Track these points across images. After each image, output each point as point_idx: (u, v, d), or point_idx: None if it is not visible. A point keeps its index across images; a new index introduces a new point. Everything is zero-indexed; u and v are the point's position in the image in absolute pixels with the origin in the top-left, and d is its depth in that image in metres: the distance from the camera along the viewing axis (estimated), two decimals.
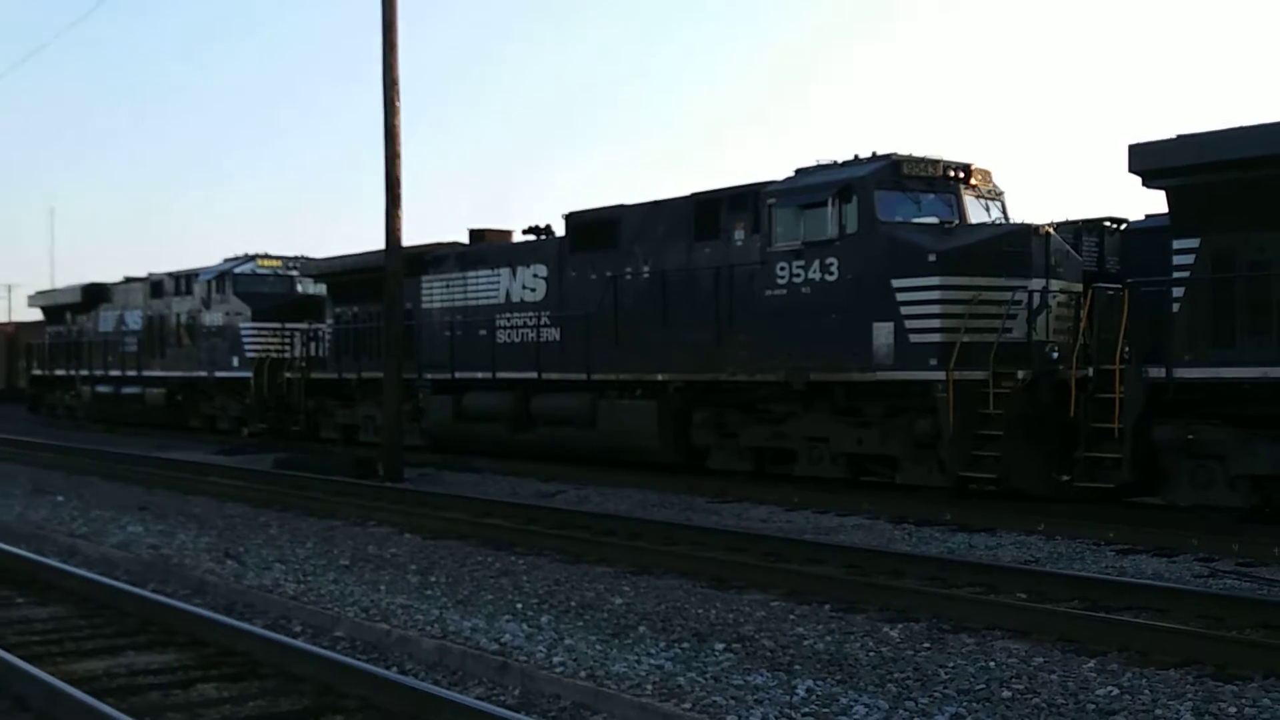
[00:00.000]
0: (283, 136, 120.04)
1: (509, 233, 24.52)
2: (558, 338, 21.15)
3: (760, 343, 17.41)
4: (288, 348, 29.73)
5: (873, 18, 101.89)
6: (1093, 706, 6.93)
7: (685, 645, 8.35)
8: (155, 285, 34.70)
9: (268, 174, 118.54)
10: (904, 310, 15.77)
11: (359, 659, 7.69)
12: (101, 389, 36.71)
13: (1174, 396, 13.58)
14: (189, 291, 32.99)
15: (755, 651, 8.20)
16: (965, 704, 6.96)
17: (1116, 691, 7.20)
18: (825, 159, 17.52)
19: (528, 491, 18.48)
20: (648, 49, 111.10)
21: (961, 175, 16.75)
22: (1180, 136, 13.68)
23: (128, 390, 35.33)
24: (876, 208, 16.26)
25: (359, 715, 6.62)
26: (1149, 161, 13.88)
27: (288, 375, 28.83)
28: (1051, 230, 16.26)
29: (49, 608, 9.71)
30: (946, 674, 7.60)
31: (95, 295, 37.75)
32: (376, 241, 21.56)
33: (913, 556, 11.70)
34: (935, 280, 15.63)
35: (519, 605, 9.77)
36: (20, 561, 11.38)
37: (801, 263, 16.93)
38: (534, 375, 21.39)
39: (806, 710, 6.79)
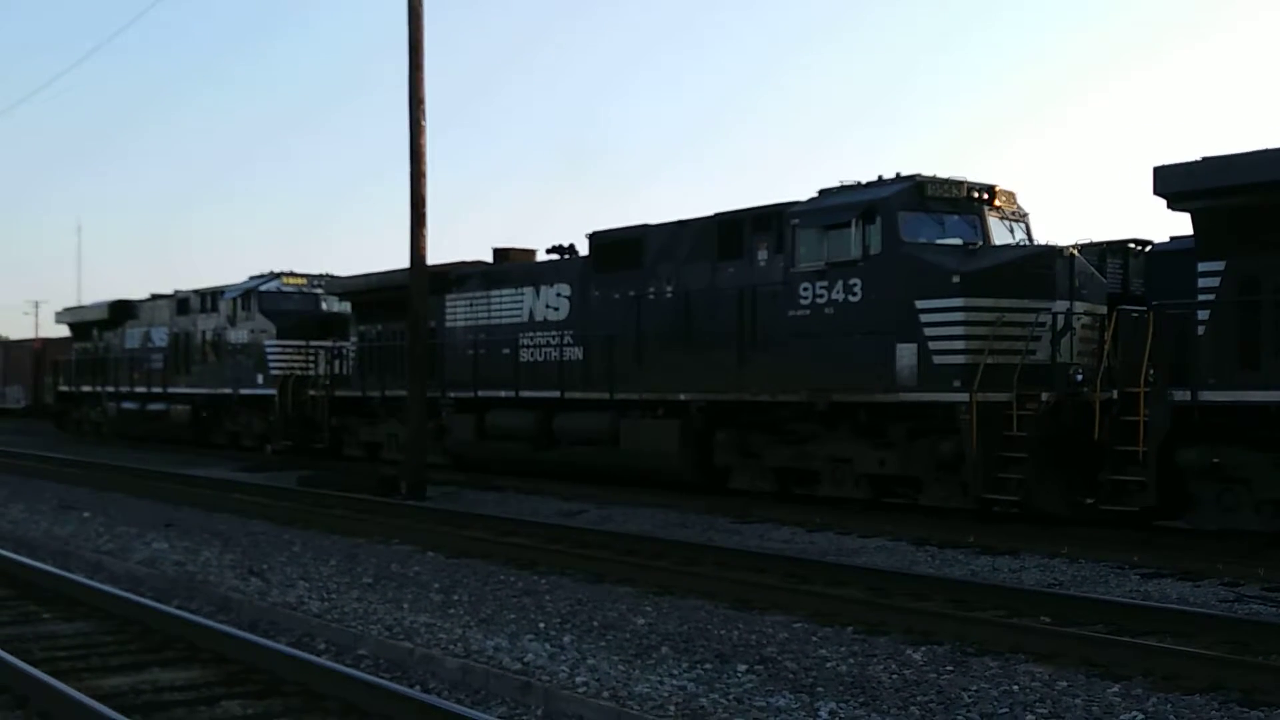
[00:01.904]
0: (309, 154, 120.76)
1: (533, 252, 24.64)
2: (581, 357, 21.20)
3: (783, 363, 17.41)
4: (312, 365, 29.85)
5: (899, 39, 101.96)
6: None
7: (708, 666, 8.34)
8: (181, 302, 34.95)
9: (293, 192, 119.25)
10: (927, 331, 15.76)
11: (382, 678, 7.70)
12: (127, 405, 36.93)
13: (1199, 419, 13.52)
14: (214, 309, 33.20)
15: (778, 673, 8.19)
16: None
17: (1142, 717, 7.17)
18: (849, 179, 17.56)
19: (550, 510, 18.49)
20: (672, 66, 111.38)
21: (985, 196, 16.75)
22: (1206, 159, 13.65)
23: (153, 407, 35.54)
24: (900, 229, 16.27)
25: None
26: (1174, 184, 13.86)
27: (312, 393, 28.94)
28: (1076, 252, 16.23)
29: (75, 623, 9.77)
30: (970, 697, 7.58)
31: (122, 312, 38.03)
32: (401, 260, 21.66)
33: (936, 579, 11.66)
34: (959, 302, 15.62)
35: (541, 625, 9.78)
36: (46, 577, 11.46)
37: (825, 283, 16.94)
38: (557, 394, 21.43)
39: None
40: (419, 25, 20.42)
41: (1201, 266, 13.87)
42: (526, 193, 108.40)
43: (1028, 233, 17.22)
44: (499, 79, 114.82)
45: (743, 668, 8.30)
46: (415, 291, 20.77)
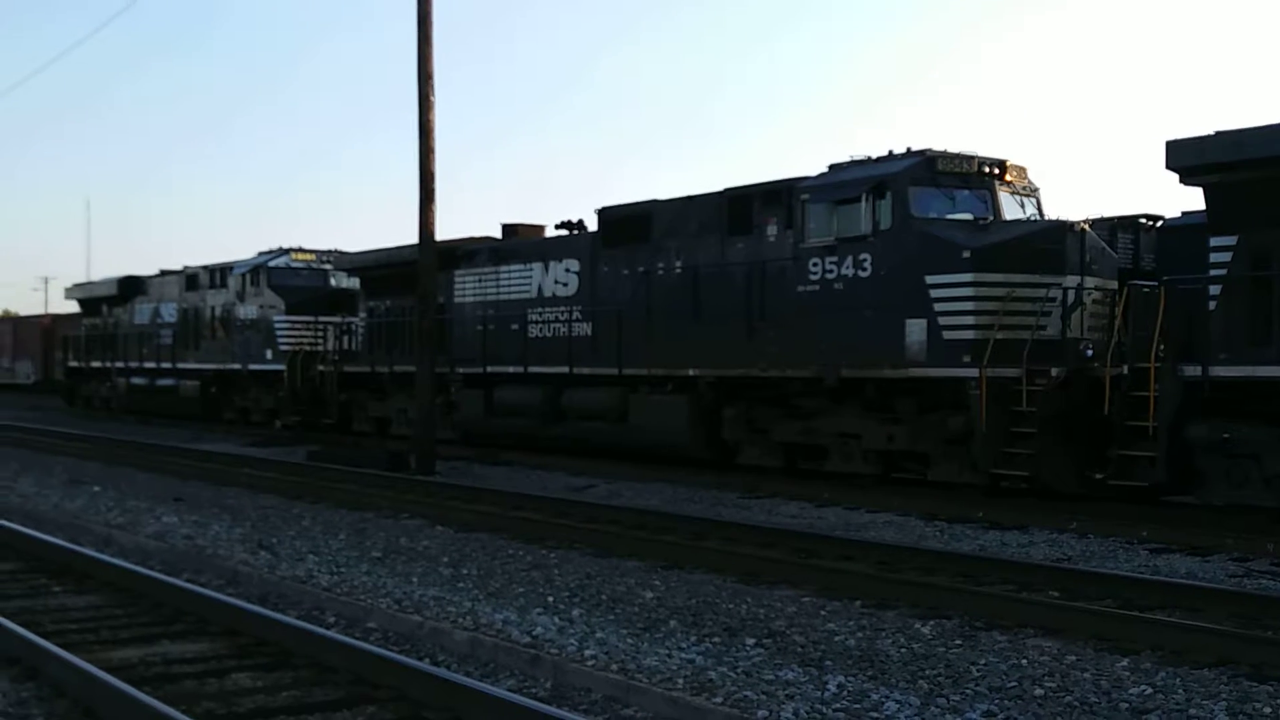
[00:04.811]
0: (318, 131, 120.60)
1: (541, 227, 24.57)
2: (589, 333, 21.17)
3: (792, 338, 17.37)
4: (321, 341, 29.87)
5: (908, 14, 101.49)
6: (1126, 705, 6.89)
7: (716, 640, 8.35)
8: (190, 278, 34.96)
9: (302, 168, 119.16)
10: (937, 307, 15.71)
11: (392, 650, 7.73)
12: (136, 381, 37.00)
13: (1209, 395, 13.47)
14: (224, 284, 33.21)
15: (786, 647, 8.19)
16: (997, 701, 6.94)
17: (1150, 691, 7.16)
18: (859, 154, 17.49)
19: (558, 486, 18.52)
20: (680, 43, 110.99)
21: (996, 171, 16.66)
22: (1218, 133, 13.55)
23: (162, 382, 35.60)
24: (910, 204, 16.20)
25: (391, 706, 6.65)
26: (1186, 158, 13.77)
27: (321, 368, 28.97)
28: (1087, 227, 16.16)
29: (85, 596, 9.81)
30: (978, 671, 7.58)
31: (131, 288, 38.06)
32: (410, 236, 21.66)
33: (944, 554, 11.67)
34: (969, 277, 15.56)
35: (550, 598, 9.79)
36: (57, 551, 11.49)
37: (834, 259, 16.89)
38: (565, 370, 21.42)
39: (838, 706, 6.78)
40: None
41: (1213, 241, 13.80)
42: (536, 168, 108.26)
43: (1039, 207, 17.15)
44: (510, 54, 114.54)
45: (751, 641, 8.31)
46: (424, 267, 20.75)
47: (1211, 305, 13.69)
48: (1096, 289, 16.04)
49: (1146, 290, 14.71)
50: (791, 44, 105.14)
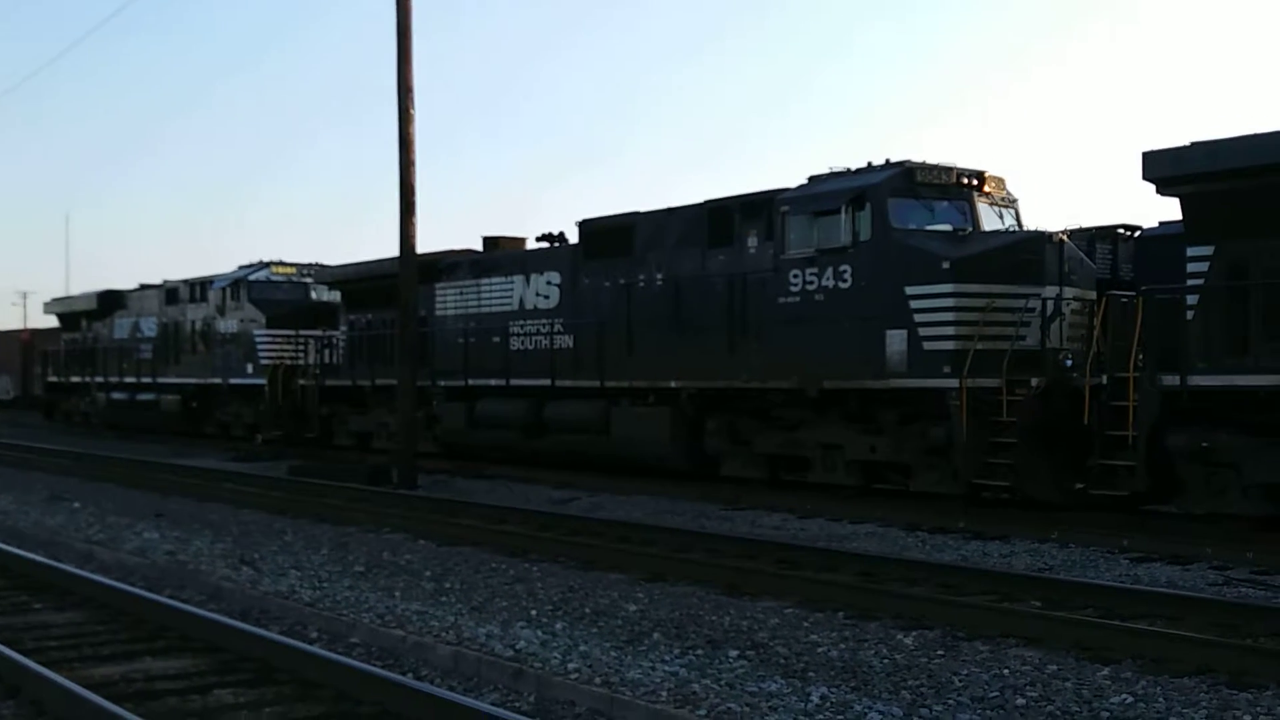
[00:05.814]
0: (297, 143, 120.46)
1: (523, 240, 24.60)
2: (571, 345, 21.19)
3: (773, 350, 17.42)
4: (302, 354, 29.80)
5: (884, 21, 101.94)
6: (1107, 714, 6.93)
7: (699, 652, 8.36)
8: (170, 292, 34.86)
9: (282, 181, 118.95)
10: (917, 318, 15.77)
11: (375, 665, 7.72)
12: (116, 396, 36.85)
13: (1188, 404, 13.55)
14: (204, 298, 33.12)
15: (769, 658, 8.21)
16: (979, 711, 6.97)
17: (1131, 699, 7.20)
18: (838, 166, 17.56)
19: (541, 499, 18.51)
20: (664, 55, 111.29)
21: (975, 182, 16.74)
22: (1195, 143, 13.67)
23: (143, 397, 35.47)
24: (890, 215, 16.27)
25: None
26: (1163, 169, 13.87)
27: (302, 382, 28.90)
28: (1065, 237, 16.25)
29: (66, 613, 9.76)
30: (960, 681, 7.61)
31: (111, 302, 37.92)
32: (391, 249, 21.66)
33: (926, 564, 11.69)
34: (949, 288, 15.63)
35: (533, 612, 9.79)
36: (37, 567, 11.44)
37: (815, 270, 16.94)
38: (547, 382, 21.42)
39: (821, 717, 6.80)
40: (407, 12, 20.36)
41: (1190, 251, 13.89)
42: (518, 181, 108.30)
43: (1017, 218, 17.24)
44: (490, 64, 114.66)
45: (734, 653, 8.32)
46: (405, 280, 20.74)
47: (1189, 315, 13.78)
48: (1075, 299, 16.13)
49: (1125, 300, 14.80)
50: (788, 52, 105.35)
